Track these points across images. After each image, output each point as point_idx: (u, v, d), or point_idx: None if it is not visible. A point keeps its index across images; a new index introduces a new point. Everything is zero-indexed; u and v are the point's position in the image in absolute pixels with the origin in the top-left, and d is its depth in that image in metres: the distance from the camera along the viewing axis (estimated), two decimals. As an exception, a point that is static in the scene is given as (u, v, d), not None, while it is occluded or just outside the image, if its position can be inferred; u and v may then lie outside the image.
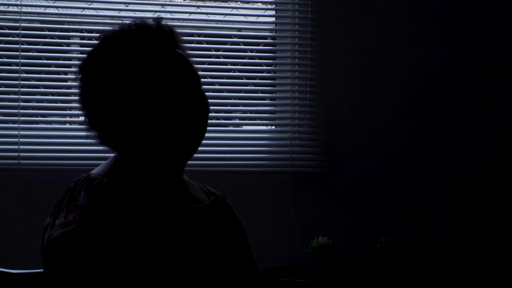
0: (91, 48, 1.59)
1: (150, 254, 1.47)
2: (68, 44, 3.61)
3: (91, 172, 1.56)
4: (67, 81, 3.56)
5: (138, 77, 1.54)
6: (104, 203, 1.47)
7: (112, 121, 1.55)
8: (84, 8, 3.50)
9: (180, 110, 1.53)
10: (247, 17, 3.69)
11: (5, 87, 3.40)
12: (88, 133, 1.60)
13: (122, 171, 1.56)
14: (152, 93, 1.53)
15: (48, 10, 3.55)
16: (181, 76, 1.55)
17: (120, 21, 3.35)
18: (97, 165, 1.62)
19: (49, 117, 3.54)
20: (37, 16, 3.56)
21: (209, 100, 3.37)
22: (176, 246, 1.50)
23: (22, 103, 3.39)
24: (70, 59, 3.56)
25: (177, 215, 1.55)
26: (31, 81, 3.41)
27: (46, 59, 3.46)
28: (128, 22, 1.60)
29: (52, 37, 3.45)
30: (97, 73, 1.55)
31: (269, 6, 3.73)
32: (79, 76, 1.58)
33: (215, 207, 1.67)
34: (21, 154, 3.34)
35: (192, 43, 3.58)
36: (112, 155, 1.63)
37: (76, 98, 1.61)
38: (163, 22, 1.61)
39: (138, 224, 1.48)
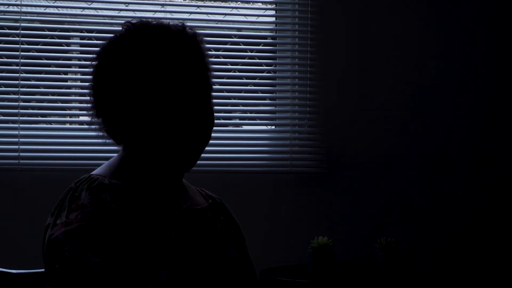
0: (111, 38, 1.58)
1: (152, 253, 1.47)
2: (68, 44, 3.61)
3: (91, 173, 1.56)
4: (67, 81, 3.56)
5: (152, 75, 1.53)
6: (106, 202, 1.47)
7: (119, 110, 1.55)
8: (84, 8, 3.50)
9: (183, 118, 1.53)
10: (247, 17, 3.69)
11: (5, 87, 3.40)
12: (90, 126, 1.59)
13: (122, 172, 1.56)
14: (161, 94, 1.53)
15: (48, 10, 3.55)
16: (192, 86, 1.55)
17: (119, 21, 3.35)
18: (97, 165, 1.63)
19: (49, 117, 3.54)
20: (37, 16, 3.56)
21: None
22: (177, 246, 1.51)
23: (22, 103, 3.39)
24: (70, 59, 3.56)
25: (178, 216, 1.56)
26: (31, 81, 3.41)
27: (46, 59, 3.46)
28: (153, 21, 1.59)
29: (52, 37, 3.45)
30: (114, 61, 1.55)
31: (269, 6, 3.73)
32: (95, 62, 1.57)
33: (214, 209, 1.68)
34: (21, 154, 3.34)
35: (192, 43, 3.57)
36: (113, 155, 1.63)
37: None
38: (188, 27, 1.61)
39: (139, 223, 1.48)
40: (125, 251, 1.45)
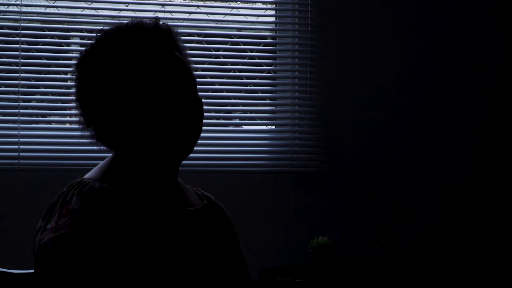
0: (88, 46, 1.59)
1: (142, 257, 1.46)
2: (68, 44, 3.61)
3: (84, 176, 1.55)
4: (67, 81, 3.56)
5: (133, 76, 1.53)
6: (96, 208, 1.46)
7: (107, 118, 1.55)
8: (84, 8, 3.50)
9: (173, 112, 1.53)
10: (247, 17, 3.69)
11: (5, 87, 3.40)
12: (82, 132, 1.60)
13: (115, 175, 1.55)
14: (146, 93, 1.53)
15: (48, 10, 3.55)
16: (176, 78, 1.55)
17: (120, 21, 3.35)
18: (97, 165, 1.62)
19: (49, 117, 3.54)
20: (37, 16, 3.56)
21: (209, 100, 3.35)
22: (168, 250, 1.50)
23: (22, 103, 3.39)
24: (70, 59, 3.56)
25: (169, 218, 1.55)
26: (31, 81, 3.41)
27: (46, 59, 3.46)
28: (125, 21, 1.60)
29: (52, 37, 3.45)
30: (94, 70, 1.55)
31: (269, 6, 3.73)
32: (76, 73, 1.58)
33: (208, 210, 1.67)
34: (21, 154, 3.34)
35: (192, 43, 3.58)
36: (107, 155, 1.62)
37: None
38: (161, 22, 1.61)
39: (129, 228, 1.48)
40: (113, 257, 1.44)
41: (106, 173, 1.55)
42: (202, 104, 1.59)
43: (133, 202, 1.52)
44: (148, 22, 1.59)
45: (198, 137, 1.58)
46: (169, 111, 1.53)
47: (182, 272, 1.50)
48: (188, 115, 1.55)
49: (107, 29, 1.59)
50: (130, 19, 1.63)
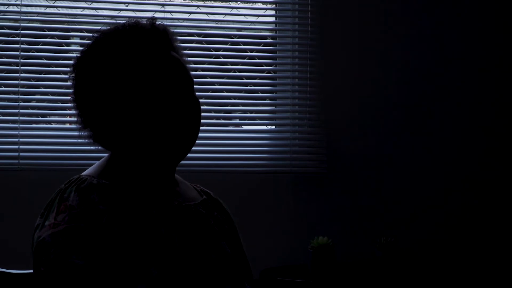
0: (85, 47, 1.60)
1: (141, 252, 1.47)
2: (68, 44, 3.61)
3: (82, 173, 1.56)
4: (67, 81, 3.56)
5: (131, 77, 1.54)
6: (94, 203, 1.47)
7: (104, 119, 1.55)
8: (84, 8, 3.50)
9: (170, 112, 1.53)
10: (247, 17, 3.69)
11: (5, 87, 3.40)
12: (80, 133, 1.60)
13: (112, 171, 1.56)
14: (143, 94, 1.53)
15: (48, 10, 3.55)
16: (173, 78, 1.55)
17: (119, 21, 3.35)
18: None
19: (49, 117, 3.54)
20: (37, 16, 3.56)
21: (209, 100, 3.35)
22: (167, 244, 1.50)
23: (22, 103, 3.39)
24: (70, 59, 3.56)
25: (168, 213, 1.55)
26: (31, 81, 3.41)
27: (46, 59, 3.46)
28: (122, 22, 1.60)
29: (52, 37, 3.45)
30: (91, 71, 1.56)
31: (269, 6, 3.73)
32: (73, 75, 1.58)
33: (208, 205, 1.67)
34: (21, 154, 3.34)
35: (192, 43, 3.58)
36: (105, 154, 1.63)
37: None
38: (158, 22, 1.61)
39: (128, 223, 1.48)
40: (112, 252, 1.44)
41: (104, 170, 1.56)
42: (199, 104, 1.60)
43: (132, 197, 1.52)
44: (144, 22, 1.59)
45: (196, 137, 1.59)
46: (166, 111, 1.53)
47: (181, 267, 1.50)
48: (185, 115, 1.55)
49: (103, 30, 1.60)
50: (129, 19, 1.63)
